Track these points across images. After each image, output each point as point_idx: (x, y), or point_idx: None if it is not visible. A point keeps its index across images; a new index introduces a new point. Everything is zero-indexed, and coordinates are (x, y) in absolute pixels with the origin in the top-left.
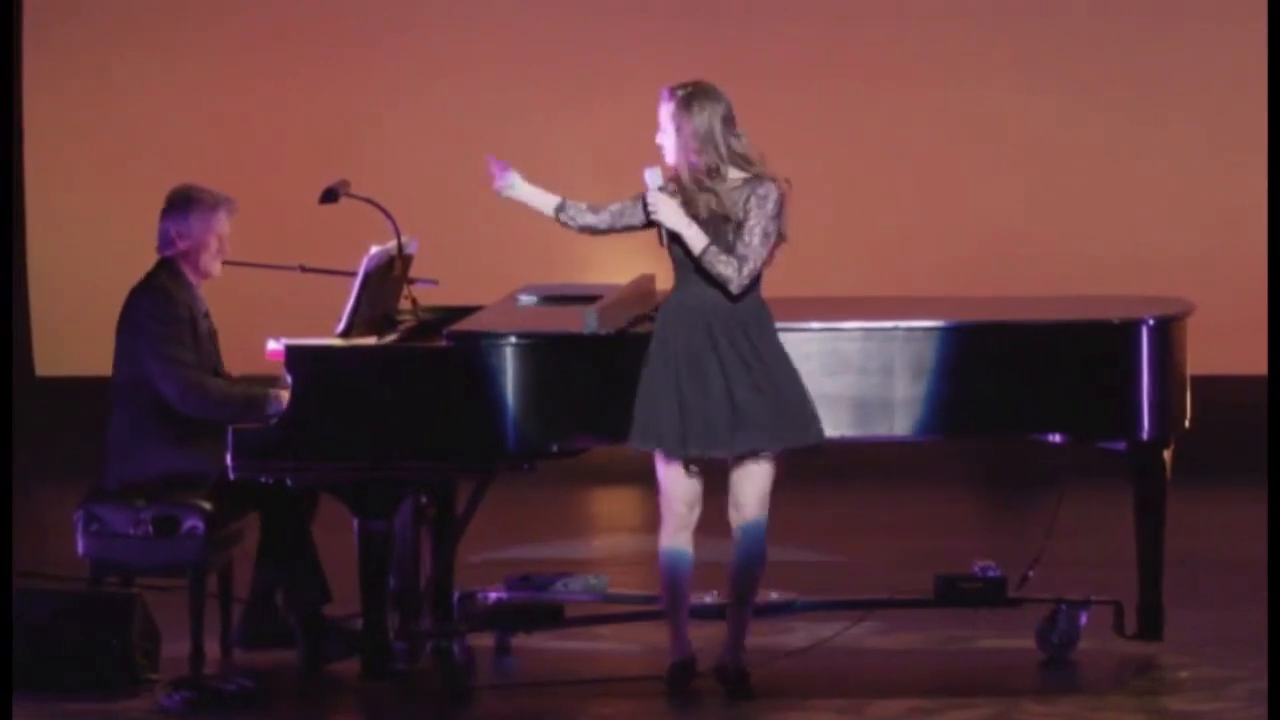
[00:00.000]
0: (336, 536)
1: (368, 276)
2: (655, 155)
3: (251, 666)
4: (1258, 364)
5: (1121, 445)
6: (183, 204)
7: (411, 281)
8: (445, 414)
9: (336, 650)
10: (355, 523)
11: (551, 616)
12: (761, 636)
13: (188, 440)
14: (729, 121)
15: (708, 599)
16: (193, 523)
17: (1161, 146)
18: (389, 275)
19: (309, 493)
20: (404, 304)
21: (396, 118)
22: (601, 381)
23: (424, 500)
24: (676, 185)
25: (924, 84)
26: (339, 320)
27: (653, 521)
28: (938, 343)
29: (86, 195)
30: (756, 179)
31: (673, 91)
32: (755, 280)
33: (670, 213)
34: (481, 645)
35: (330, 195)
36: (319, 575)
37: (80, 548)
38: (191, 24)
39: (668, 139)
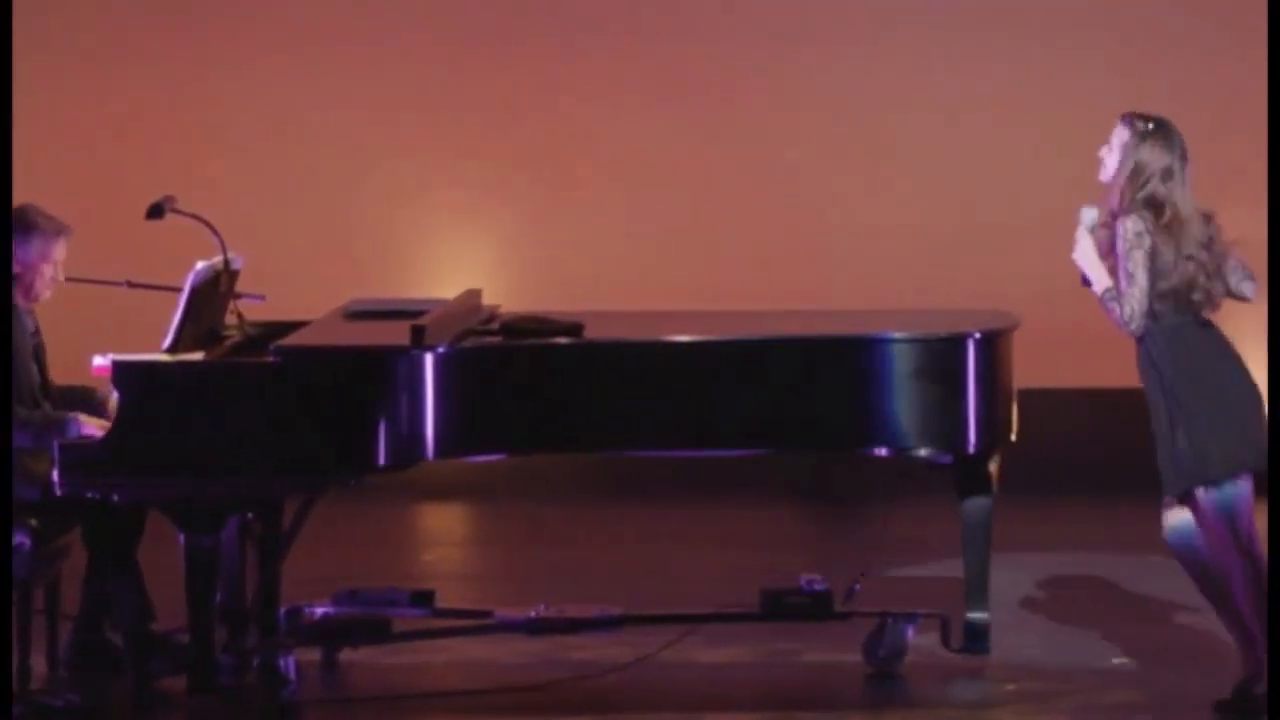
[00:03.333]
0: (163, 552)
1: (194, 292)
2: (497, 173)
3: (79, 683)
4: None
5: (948, 459)
6: (22, 227)
7: (238, 297)
8: (271, 429)
9: (164, 666)
10: (182, 538)
11: (378, 631)
12: (588, 651)
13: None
14: (1169, 170)
15: (532, 613)
16: (19, 539)
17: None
18: (215, 291)
19: (136, 509)
20: (230, 319)
21: (223, 135)
22: (430, 397)
23: (250, 515)
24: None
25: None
26: (165, 336)
27: (478, 536)
28: (764, 357)
29: None
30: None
31: (1133, 120)
32: (1179, 315)
33: (1083, 253)
34: (308, 660)
35: (156, 211)
36: (142, 593)
37: None
38: (21, 36)
39: (1112, 159)
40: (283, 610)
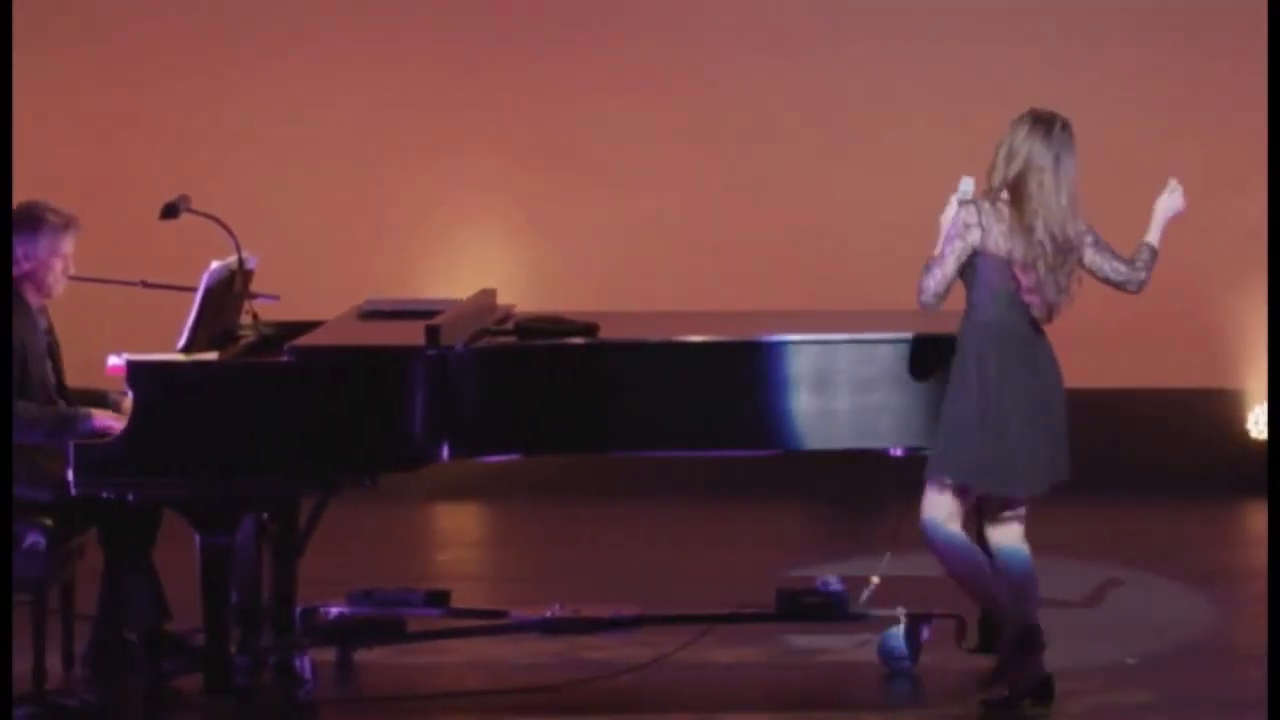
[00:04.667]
0: (179, 552)
1: (208, 292)
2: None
3: (96, 683)
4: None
5: None
6: (30, 224)
7: (252, 297)
8: (286, 429)
9: (179, 666)
10: (197, 538)
11: (393, 631)
12: (604, 651)
13: (19, 466)
14: (1043, 167)
15: (548, 613)
16: (34, 538)
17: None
18: (230, 291)
19: (151, 509)
20: (245, 319)
21: (238, 134)
22: (444, 397)
23: (265, 515)
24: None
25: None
26: (180, 335)
27: (493, 536)
28: (780, 358)
29: None
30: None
31: (1030, 113)
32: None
33: (946, 218)
34: (324, 660)
35: (171, 210)
36: (158, 592)
37: None
38: (41, 36)
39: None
40: (298, 610)
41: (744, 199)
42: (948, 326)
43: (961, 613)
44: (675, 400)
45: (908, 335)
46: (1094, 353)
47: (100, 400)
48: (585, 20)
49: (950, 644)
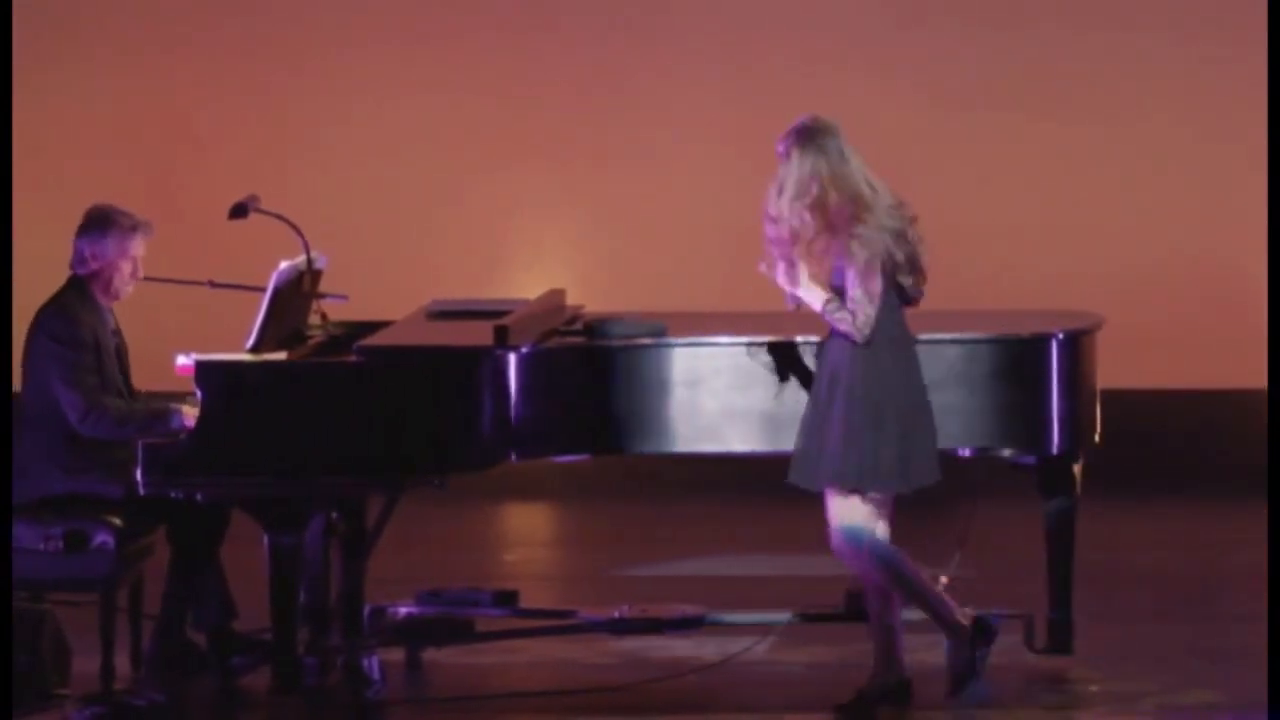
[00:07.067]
0: (247, 551)
1: (277, 292)
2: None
3: (162, 681)
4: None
5: (1032, 459)
6: (99, 225)
7: (321, 297)
8: (354, 429)
9: (246, 664)
10: (265, 537)
11: (462, 631)
12: (671, 651)
13: (96, 463)
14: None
15: (616, 614)
16: (103, 538)
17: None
18: (298, 291)
19: (219, 508)
20: (314, 319)
21: (307, 134)
22: (513, 397)
23: (334, 515)
24: None
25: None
26: (248, 335)
27: (561, 536)
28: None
29: None
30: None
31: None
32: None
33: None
34: (392, 660)
35: (240, 210)
36: (224, 591)
37: None
38: (106, 37)
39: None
40: (366, 610)
41: None
42: (1020, 328)
43: (1030, 612)
44: (744, 400)
45: (976, 336)
46: (1134, 353)
47: (178, 400)
48: (654, 20)
49: (1019, 643)
